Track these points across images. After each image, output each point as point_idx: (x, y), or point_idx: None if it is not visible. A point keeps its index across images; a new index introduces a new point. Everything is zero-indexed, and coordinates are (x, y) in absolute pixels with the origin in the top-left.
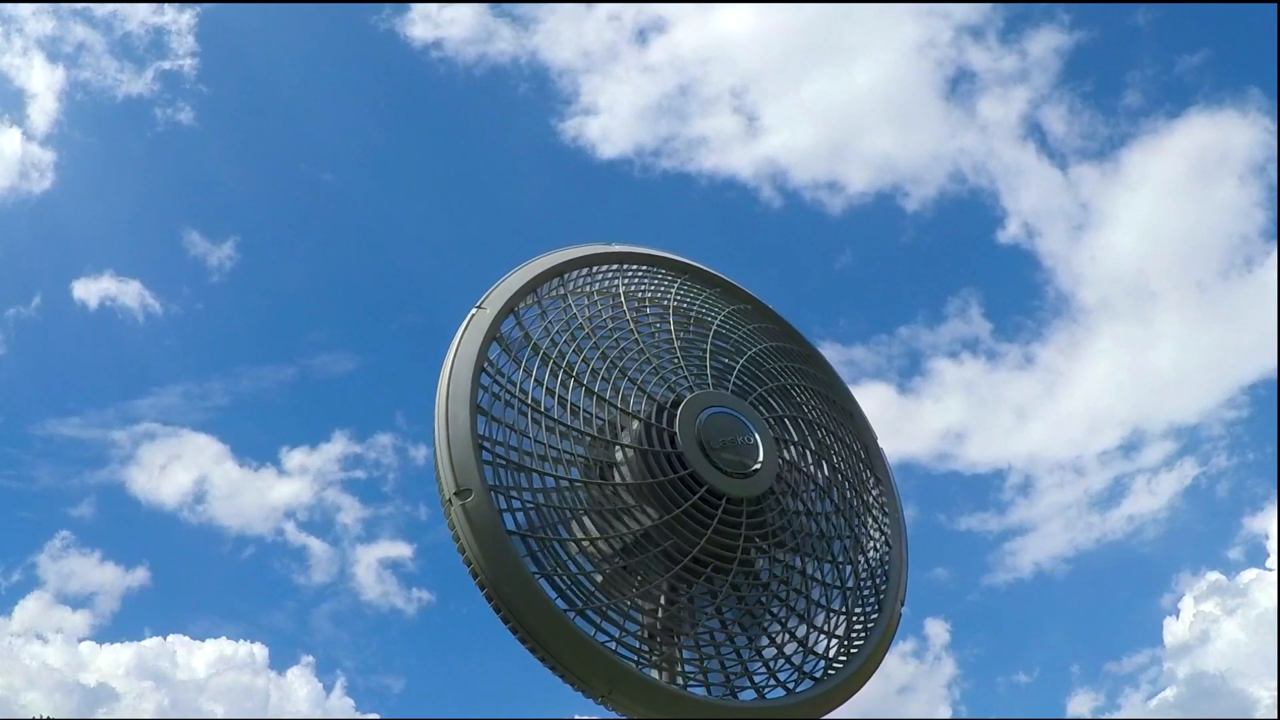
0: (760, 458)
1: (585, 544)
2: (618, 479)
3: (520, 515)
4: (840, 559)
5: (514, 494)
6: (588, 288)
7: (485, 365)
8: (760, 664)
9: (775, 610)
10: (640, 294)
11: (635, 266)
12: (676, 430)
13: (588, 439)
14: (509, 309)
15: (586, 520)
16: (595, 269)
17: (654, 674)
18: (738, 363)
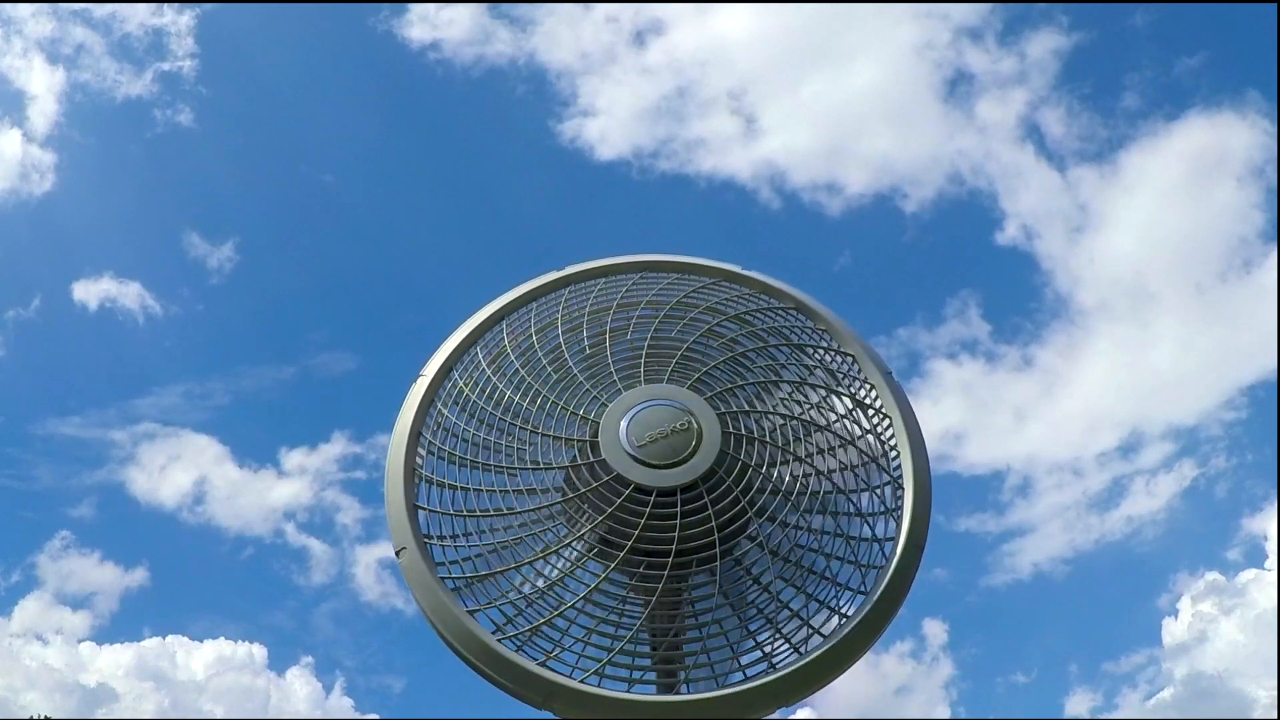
0: (695, 441)
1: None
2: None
3: (467, 564)
4: (826, 511)
5: (450, 544)
6: (531, 325)
7: (424, 430)
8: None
9: (750, 596)
10: (581, 310)
11: (585, 284)
12: (599, 439)
13: (525, 473)
14: (446, 369)
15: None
16: (544, 300)
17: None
18: (683, 345)
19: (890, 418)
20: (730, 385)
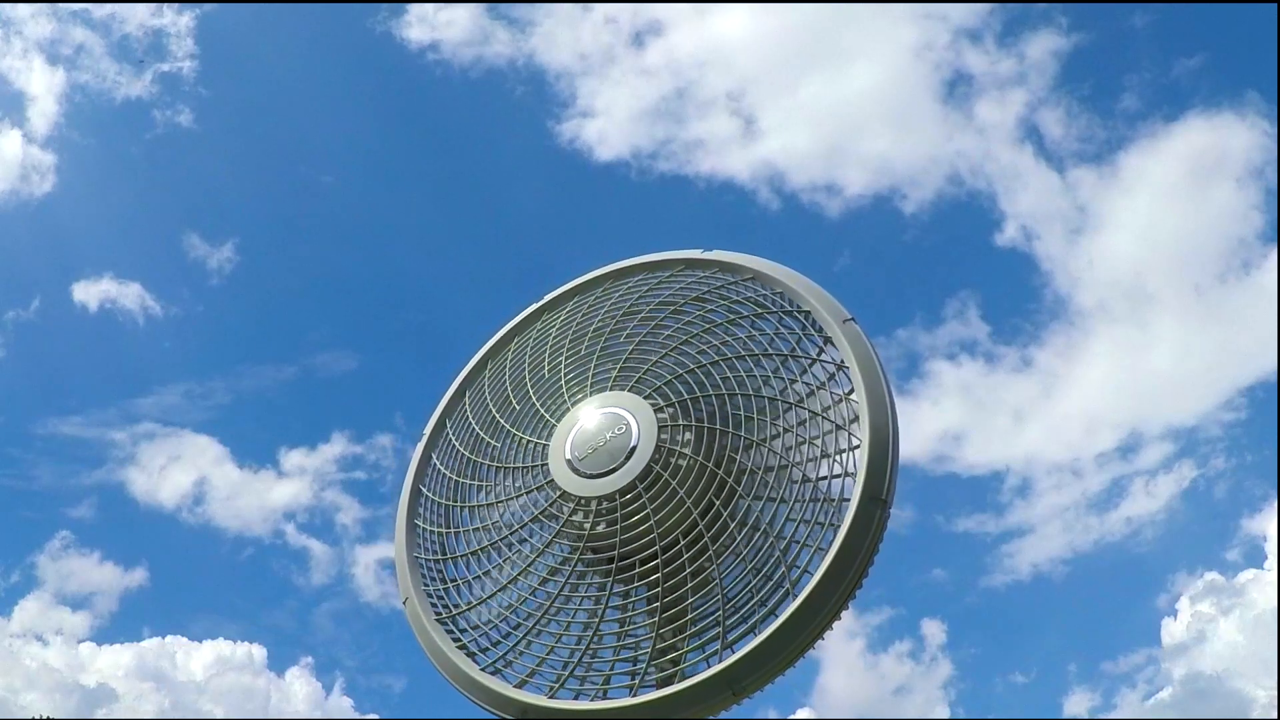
0: (631, 445)
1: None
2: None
3: (455, 606)
4: (781, 482)
5: (443, 587)
6: (506, 364)
7: (423, 485)
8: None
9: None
10: (547, 335)
11: (559, 308)
12: (548, 461)
13: (491, 507)
14: (440, 425)
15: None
16: (523, 334)
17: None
18: (630, 348)
19: (849, 367)
20: (672, 376)
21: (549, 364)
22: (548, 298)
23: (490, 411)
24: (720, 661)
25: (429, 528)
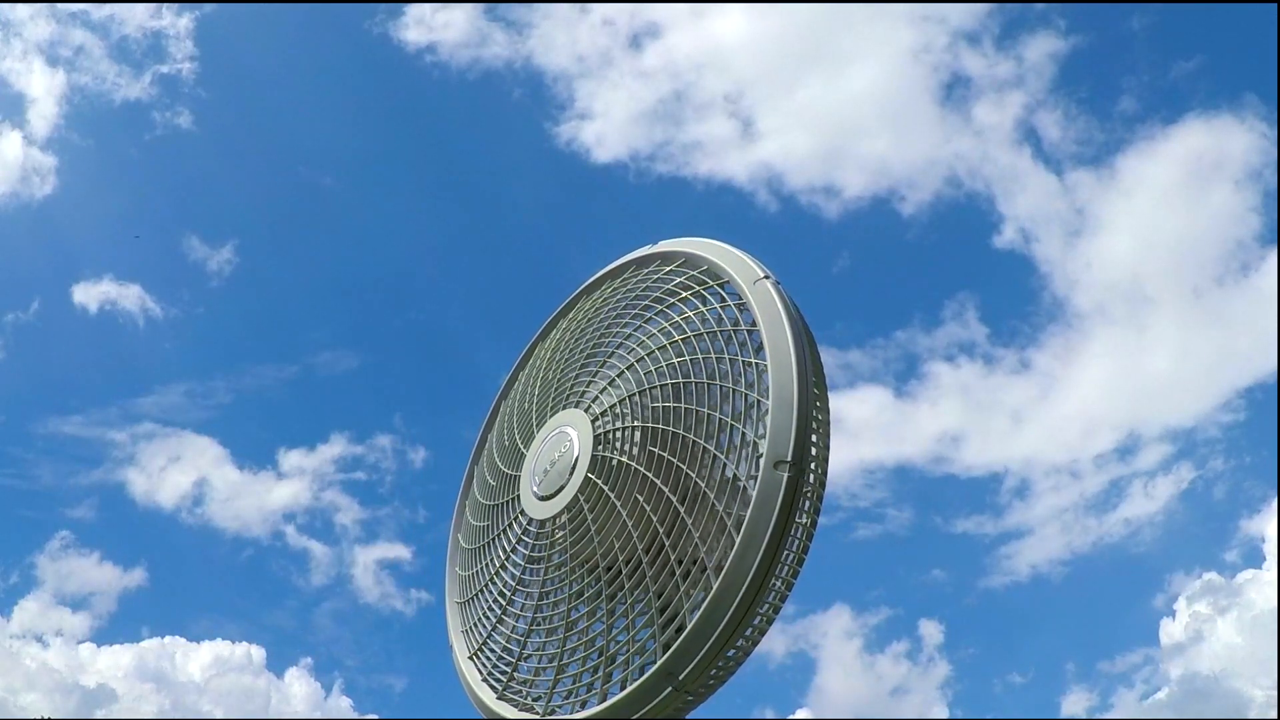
0: (573, 461)
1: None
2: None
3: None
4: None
5: (473, 625)
6: (508, 403)
7: (460, 535)
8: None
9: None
10: (534, 368)
11: (547, 339)
12: (520, 492)
13: (482, 547)
14: (470, 478)
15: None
16: (524, 372)
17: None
18: (578, 364)
19: (758, 328)
20: (606, 383)
21: (528, 396)
22: (540, 328)
23: (493, 454)
24: (658, 658)
25: (462, 573)
